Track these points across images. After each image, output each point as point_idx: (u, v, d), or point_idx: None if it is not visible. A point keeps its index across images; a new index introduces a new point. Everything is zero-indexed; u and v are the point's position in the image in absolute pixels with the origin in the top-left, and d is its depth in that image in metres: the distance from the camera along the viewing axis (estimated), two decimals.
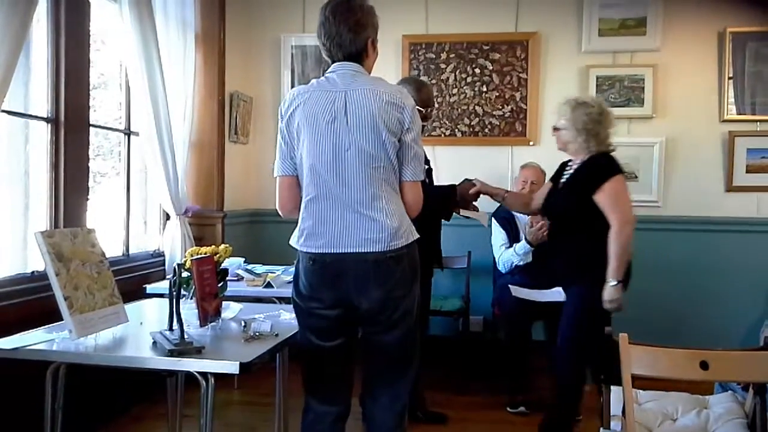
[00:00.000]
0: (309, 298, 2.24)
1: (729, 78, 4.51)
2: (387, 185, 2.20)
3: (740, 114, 4.52)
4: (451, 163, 4.61)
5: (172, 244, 3.93)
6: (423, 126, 3.10)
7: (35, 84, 3.06)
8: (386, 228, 2.16)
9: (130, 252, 3.86)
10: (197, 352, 2.07)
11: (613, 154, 3.11)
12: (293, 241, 2.28)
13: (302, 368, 2.36)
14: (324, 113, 2.16)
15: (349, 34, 2.19)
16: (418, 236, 2.29)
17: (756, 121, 4.52)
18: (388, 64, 4.66)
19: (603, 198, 2.96)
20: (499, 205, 4.35)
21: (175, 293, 2.19)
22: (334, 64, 2.25)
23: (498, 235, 4.25)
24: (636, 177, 4.63)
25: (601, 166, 3.03)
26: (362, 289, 2.18)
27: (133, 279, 3.56)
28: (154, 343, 2.19)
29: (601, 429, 2.31)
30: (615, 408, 2.30)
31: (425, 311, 3.58)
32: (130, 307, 2.62)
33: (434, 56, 4.79)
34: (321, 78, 2.26)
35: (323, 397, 2.33)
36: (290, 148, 2.25)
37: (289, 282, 3.48)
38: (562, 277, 3.26)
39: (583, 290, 3.08)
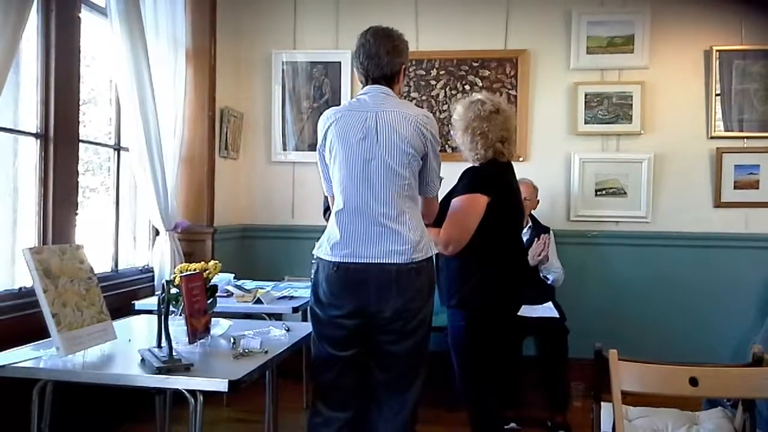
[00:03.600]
0: (329, 305, 2.33)
1: (716, 95, 4.56)
2: (410, 201, 2.37)
3: (728, 131, 4.56)
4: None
5: (162, 259, 3.91)
6: None
7: (25, 99, 3.05)
8: (409, 241, 2.30)
9: (119, 268, 3.83)
10: (186, 369, 2.06)
11: (513, 163, 2.85)
12: (317, 251, 2.40)
13: (313, 375, 2.43)
14: (356, 131, 2.32)
15: (387, 56, 2.38)
16: (437, 251, 2.45)
17: (743, 137, 4.56)
18: None
19: (450, 207, 2.67)
20: None
21: (163, 310, 2.19)
22: (367, 86, 2.42)
23: None
24: (624, 193, 4.66)
25: (472, 177, 2.71)
26: (383, 298, 2.28)
27: (121, 295, 3.53)
28: (143, 360, 2.17)
29: None
30: (605, 424, 2.30)
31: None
32: (119, 324, 2.60)
33: (424, 73, 4.82)
34: (353, 99, 2.44)
35: (334, 404, 2.40)
36: (327, 169, 2.42)
37: (279, 298, 3.50)
38: (442, 296, 2.80)
39: (452, 312, 2.80)
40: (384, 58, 2.37)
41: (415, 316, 2.33)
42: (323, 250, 2.36)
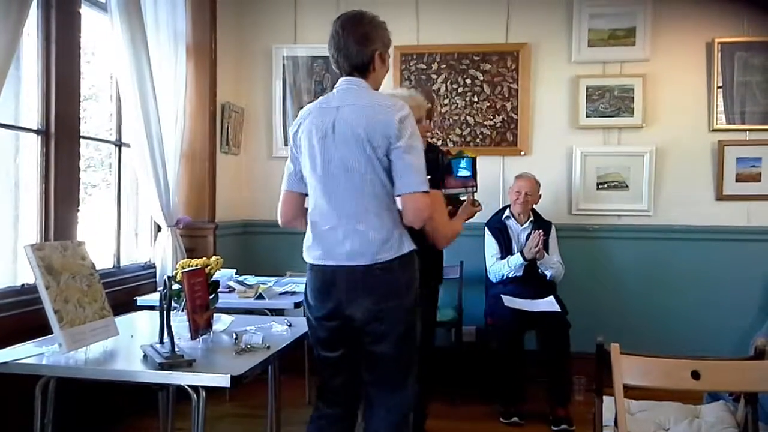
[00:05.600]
0: (312, 306, 2.33)
1: (718, 87, 4.54)
2: (375, 198, 2.22)
3: (730, 123, 4.55)
4: None
5: (163, 255, 3.91)
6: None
7: (26, 96, 3.05)
8: (371, 241, 2.21)
9: (121, 264, 3.84)
10: (188, 365, 2.07)
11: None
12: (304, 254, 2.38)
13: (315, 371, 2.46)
14: (318, 130, 2.26)
15: (356, 46, 2.27)
16: (414, 248, 2.30)
17: (745, 130, 4.55)
18: None
19: None
20: (492, 215, 4.39)
21: (165, 306, 2.19)
22: (340, 79, 2.34)
23: (490, 245, 4.26)
24: (626, 186, 4.65)
25: None
26: (352, 299, 2.23)
27: (123, 291, 3.54)
28: (145, 356, 2.18)
29: None
30: (607, 418, 2.30)
31: (432, 324, 3.54)
32: (121, 320, 2.61)
33: (425, 67, 4.81)
34: (324, 95, 2.38)
35: (330, 400, 2.40)
36: (296, 165, 2.36)
37: (281, 293, 3.51)
38: None
39: None
40: (353, 49, 2.27)
41: (389, 316, 2.23)
42: (304, 251, 2.35)
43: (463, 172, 3.04)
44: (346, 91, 2.29)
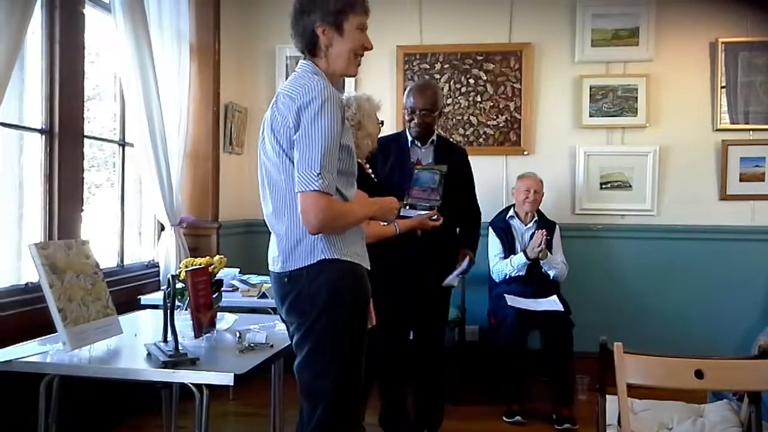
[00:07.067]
0: None
1: (722, 87, 4.54)
2: (288, 198, 1.99)
3: (733, 123, 4.55)
4: None
5: (167, 255, 3.92)
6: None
7: (30, 95, 3.06)
8: (283, 247, 2.02)
9: (125, 263, 3.84)
10: (192, 363, 2.07)
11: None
12: None
13: None
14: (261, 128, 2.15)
15: (294, 25, 2.05)
16: (333, 256, 1.98)
17: (749, 129, 4.54)
18: (383, 75, 4.68)
19: None
20: (497, 213, 4.39)
21: (169, 304, 2.19)
22: None
23: (494, 244, 4.26)
24: (630, 186, 4.64)
25: None
26: (277, 305, 2.15)
27: (127, 290, 3.54)
28: (149, 354, 2.18)
29: None
30: (611, 417, 2.30)
31: (442, 323, 3.54)
32: (125, 319, 2.62)
33: (428, 66, 4.81)
34: None
35: (303, 412, 2.22)
36: None
37: None
38: None
39: None
40: (294, 28, 2.04)
41: (299, 328, 2.00)
42: None
43: (427, 185, 3.04)
44: (290, 78, 2.09)
